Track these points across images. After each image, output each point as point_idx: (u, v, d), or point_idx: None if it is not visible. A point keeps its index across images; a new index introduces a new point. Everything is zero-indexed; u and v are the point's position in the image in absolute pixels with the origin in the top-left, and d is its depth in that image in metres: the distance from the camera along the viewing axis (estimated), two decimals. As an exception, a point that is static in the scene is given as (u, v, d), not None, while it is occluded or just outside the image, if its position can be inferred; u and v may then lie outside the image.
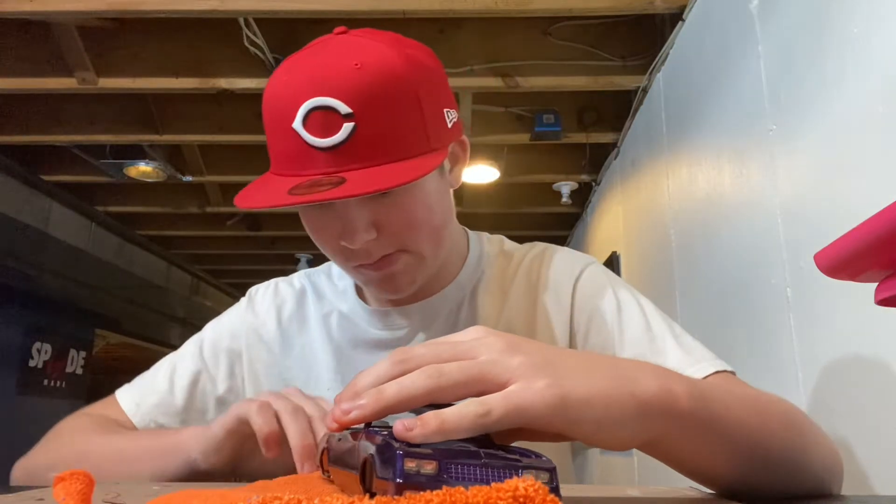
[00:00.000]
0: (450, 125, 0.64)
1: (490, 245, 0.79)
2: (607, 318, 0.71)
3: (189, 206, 3.58)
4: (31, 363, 4.95)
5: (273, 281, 0.84)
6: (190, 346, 0.80)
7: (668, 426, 0.41)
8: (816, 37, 1.05)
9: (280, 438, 0.54)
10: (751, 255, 1.31)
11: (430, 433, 0.35)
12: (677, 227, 1.85)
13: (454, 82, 2.04)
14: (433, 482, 0.32)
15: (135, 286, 4.67)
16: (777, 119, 1.19)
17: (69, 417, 0.75)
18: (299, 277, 0.83)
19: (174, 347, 0.80)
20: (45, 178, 3.26)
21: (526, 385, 0.37)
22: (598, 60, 2.15)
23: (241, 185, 0.63)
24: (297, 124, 0.57)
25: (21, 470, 0.70)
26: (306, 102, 0.57)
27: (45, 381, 5.11)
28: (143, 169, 2.94)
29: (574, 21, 2.12)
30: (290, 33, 2.14)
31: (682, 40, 1.83)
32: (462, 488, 0.29)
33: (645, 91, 2.18)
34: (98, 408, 0.77)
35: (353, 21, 2.00)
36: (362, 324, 0.75)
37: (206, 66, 2.20)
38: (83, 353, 5.64)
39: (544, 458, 0.35)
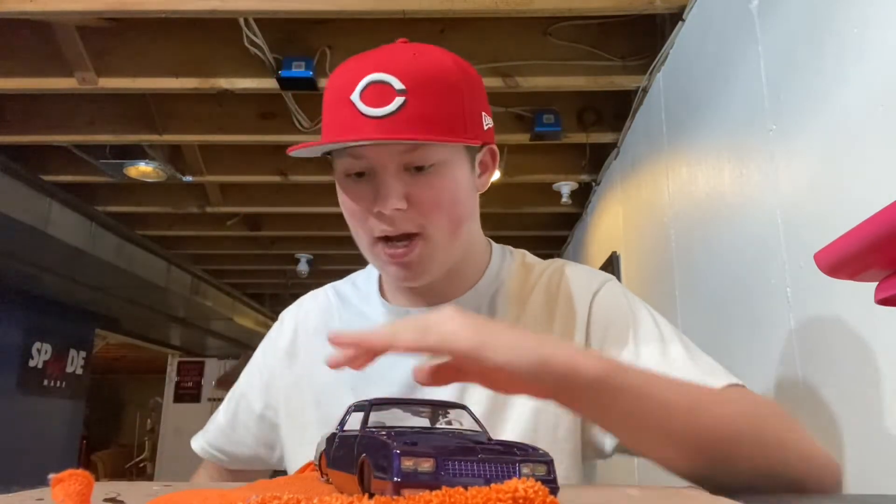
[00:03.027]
0: (486, 127, 0.71)
1: (512, 257, 0.83)
2: (623, 334, 0.72)
3: (189, 206, 3.57)
4: (31, 363, 4.95)
5: (301, 298, 0.90)
6: (243, 373, 0.90)
7: (573, 386, 0.49)
8: (816, 37, 1.05)
9: None
10: (751, 255, 1.31)
11: (381, 336, 0.48)
12: (677, 227, 1.85)
13: (454, 82, 2.03)
14: (431, 480, 0.32)
15: (135, 286, 4.65)
16: (777, 119, 1.19)
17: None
18: (325, 290, 0.89)
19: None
20: (45, 178, 3.25)
21: (458, 328, 0.48)
22: (598, 60, 2.15)
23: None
24: (355, 95, 0.65)
25: None
26: (366, 77, 0.64)
27: (45, 381, 5.11)
28: (143, 169, 2.93)
29: (574, 21, 2.11)
30: (290, 33, 2.13)
31: (682, 40, 1.82)
32: (462, 489, 0.29)
33: (645, 91, 2.17)
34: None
35: (353, 21, 1.99)
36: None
37: (206, 66, 2.20)
38: (83, 353, 5.63)
39: (541, 451, 0.35)
